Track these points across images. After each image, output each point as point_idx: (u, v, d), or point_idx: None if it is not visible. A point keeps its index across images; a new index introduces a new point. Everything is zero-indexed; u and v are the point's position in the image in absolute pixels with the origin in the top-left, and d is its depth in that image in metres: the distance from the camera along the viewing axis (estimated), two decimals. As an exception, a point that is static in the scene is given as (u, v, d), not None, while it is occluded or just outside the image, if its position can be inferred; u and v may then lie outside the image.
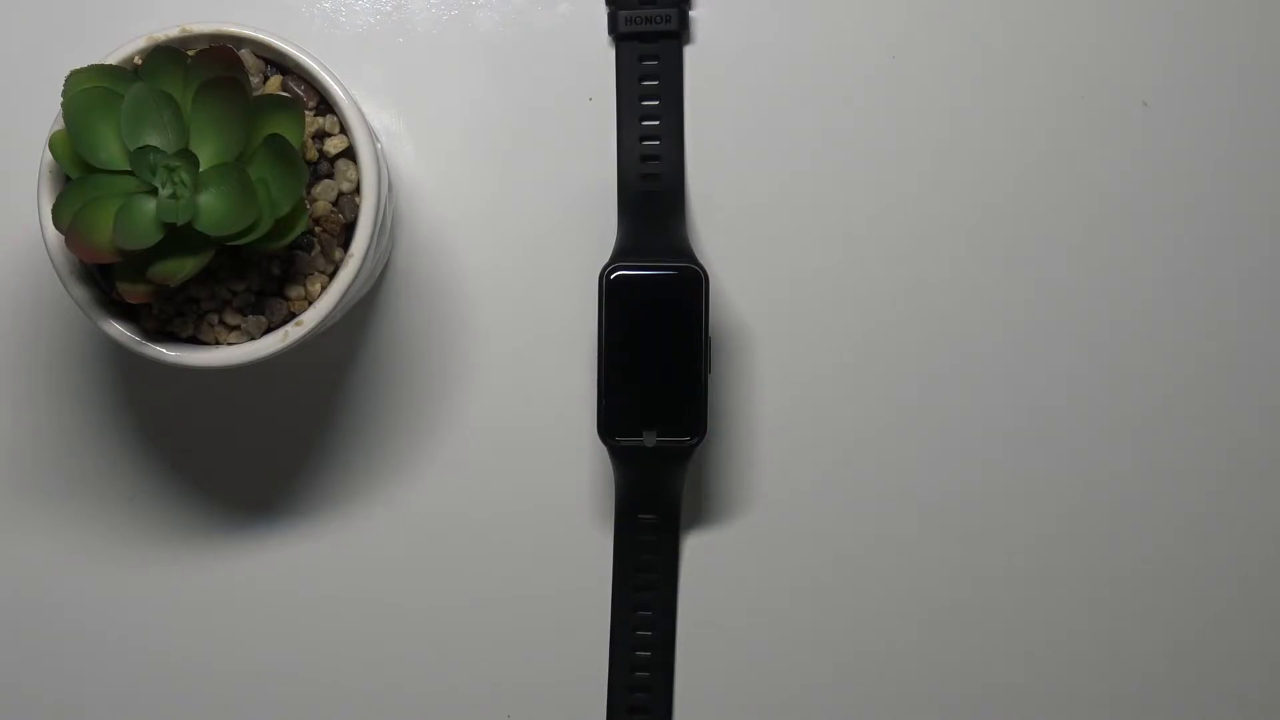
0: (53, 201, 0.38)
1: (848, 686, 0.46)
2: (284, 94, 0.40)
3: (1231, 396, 0.46)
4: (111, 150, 0.38)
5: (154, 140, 0.38)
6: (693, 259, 0.42)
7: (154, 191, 0.37)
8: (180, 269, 0.37)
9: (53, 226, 0.38)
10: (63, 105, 0.38)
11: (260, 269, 0.40)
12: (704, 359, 0.42)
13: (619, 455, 0.43)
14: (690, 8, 0.46)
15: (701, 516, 0.46)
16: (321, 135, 0.41)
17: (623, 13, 0.46)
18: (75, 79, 0.38)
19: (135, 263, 0.38)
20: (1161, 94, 0.46)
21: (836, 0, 0.47)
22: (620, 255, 0.42)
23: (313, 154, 0.41)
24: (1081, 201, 0.46)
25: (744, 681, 0.47)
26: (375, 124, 0.45)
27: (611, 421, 0.42)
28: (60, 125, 0.38)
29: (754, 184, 0.46)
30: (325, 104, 0.41)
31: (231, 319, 0.40)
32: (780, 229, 0.46)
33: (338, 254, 0.41)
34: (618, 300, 0.41)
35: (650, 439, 0.42)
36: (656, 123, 0.46)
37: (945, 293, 0.46)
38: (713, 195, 0.46)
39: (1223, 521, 0.46)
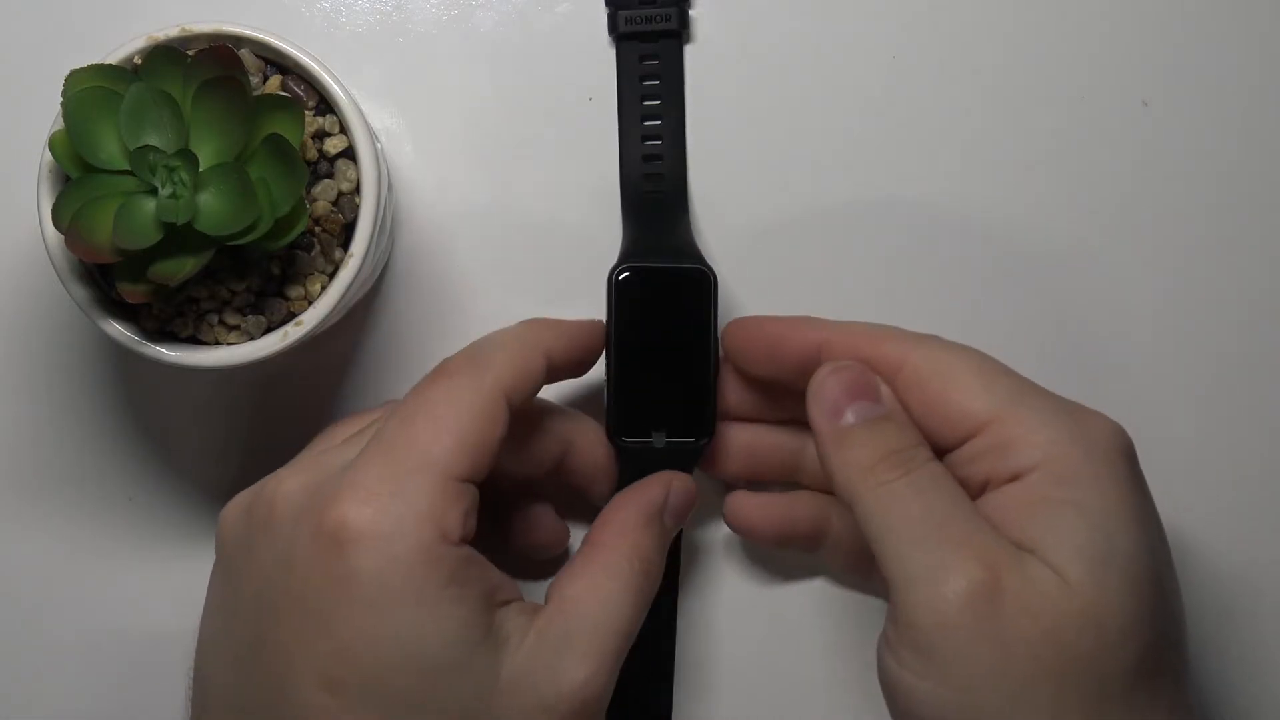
0: (53, 201, 0.38)
1: (851, 686, 0.46)
2: (284, 94, 0.40)
3: (1231, 395, 0.46)
4: (111, 150, 0.38)
5: (154, 140, 0.38)
6: (701, 259, 0.41)
7: (154, 191, 0.37)
8: (180, 269, 0.37)
9: (53, 226, 0.38)
10: (63, 105, 0.38)
11: (260, 269, 0.40)
12: (713, 360, 0.41)
13: (628, 456, 0.42)
14: (690, 7, 0.46)
15: (702, 517, 0.46)
16: (321, 135, 0.41)
17: (623, 12, 0.46)
18: (75, 79, 0.38)
19: (135, 263, 0.38)
20: (1161, 94, 0.46)
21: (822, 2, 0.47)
22: (628, 256, 0.42)
23: (313, 154, 0.41)
24: (1081, 201, 0.46)
25: (746, 683, 0.46)
26: (375, 124, 0.45)
27: (622, 423, 0.42)
28: (60, 125, 0.38)
29: (756, 183, 0.46)
30: (325, 104, 0.41)
31: (231, 319, 0.40)
32: (782, 229, 0.46)
33: (338, 254, 0.41)
34: (627, 301, 0.41)
35: (660, 440, 0.42)
36: (658, 122, 0.46)
37: (946, 294, 0.46)
38: (714, 194, 0.46)
39: (1221, 523, 0.46)
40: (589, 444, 0.42)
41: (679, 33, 0.46)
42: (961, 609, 0.34)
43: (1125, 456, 0.37)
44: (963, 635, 0.34)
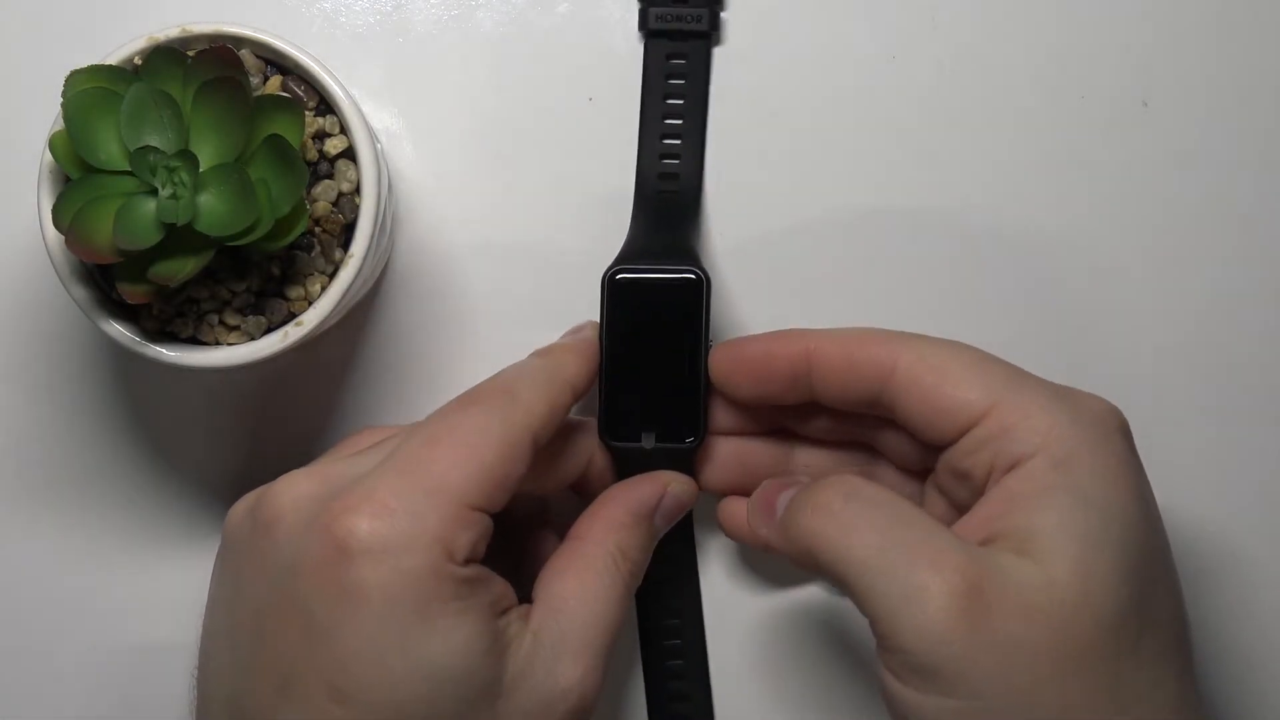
0: (53, 201, 0.38)
1: (858, 686, 0.46)
2: (284, 94, 0.40)
3: (1231, 394, 0.46)
4: (111, 150, 0.38)
5: (154, 140, 0.38)
6: (696, 262, 0.41)
7: (154, 192, 0.37)
8: (180, 269, 0.37)
9: (53, 226, 0.38)
10: (63, 105, 0.38)
11: (260, 269, 0.40)
12: (704, 363, 0.41)
13: (619, 458, 0.42)
14: (722, 9, 0.46)
15: (712, 517, 0.46)
16: (321, 135, 0.41)
17: (654, 9, 0.45)
18: (75, 79, 0.38)
19: (135, 263, 0.38)
20: (1161, 94, 0.46)
21: (840, 6, 0.46)
22: (626, 256, 0.42)
23: (313, 154, 0.41)
24: (1081, 202, 0.46)
25: (777, 678, 0.46)
26: (375, 124, 0.45)
27: (613, 424, 0.42)
28: (60, 125, 0.38)
29: (773, 191, 0.46)
30: (325, 104, 0.41)
31: (231, 319, 0.40)
32: (794, 235, 0.46)
33: (338, 254, 0.41)
34: (620, 302, 0.41)
35: (649, 441, 0.42)
36: (679, 122, 0.45)
37: (950, 296, 0.46)
38: (729, 199, 0.46)
39: (1212, 506, 0.47)
40: (605, 457, 0.42)
41: (709, 34, 0.46)
42: (948, 625, 0.34)
43: (1122, 435, 0.37)
44: (956, 649, 0.34)
